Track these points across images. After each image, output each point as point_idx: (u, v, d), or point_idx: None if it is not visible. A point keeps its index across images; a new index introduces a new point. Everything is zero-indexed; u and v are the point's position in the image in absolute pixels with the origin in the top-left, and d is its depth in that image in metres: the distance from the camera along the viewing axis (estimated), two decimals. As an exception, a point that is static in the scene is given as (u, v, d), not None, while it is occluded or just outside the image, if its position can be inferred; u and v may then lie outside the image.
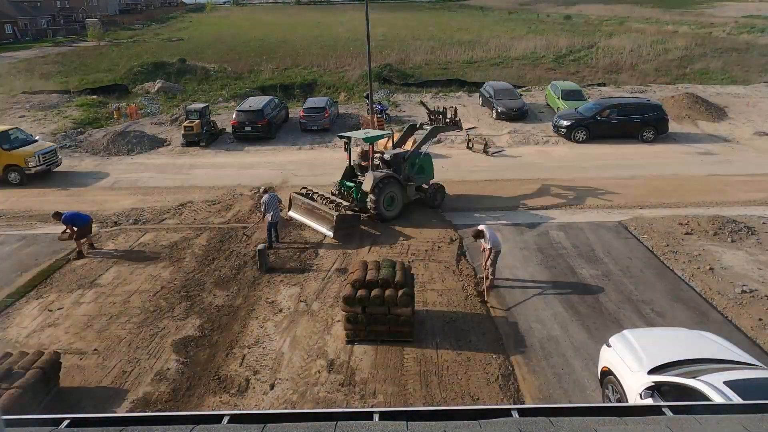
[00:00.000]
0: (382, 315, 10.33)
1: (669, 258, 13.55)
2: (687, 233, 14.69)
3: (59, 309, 11.99)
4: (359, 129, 25.73)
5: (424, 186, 17.13)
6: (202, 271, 13.57)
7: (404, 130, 19.03)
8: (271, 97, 28.29)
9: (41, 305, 12.16)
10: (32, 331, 11.23)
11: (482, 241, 12.33)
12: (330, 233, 15.06)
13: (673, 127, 24.88)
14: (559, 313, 11.47)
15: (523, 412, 4.24)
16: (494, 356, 10.13)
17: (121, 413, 8.65)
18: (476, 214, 16.72)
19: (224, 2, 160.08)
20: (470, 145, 23.48)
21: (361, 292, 10.33)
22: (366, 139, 16.31)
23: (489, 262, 12.30)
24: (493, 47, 49.15)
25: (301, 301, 12.14)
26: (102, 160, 23.21)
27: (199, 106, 25.55)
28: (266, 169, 21.57)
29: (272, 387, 9.48)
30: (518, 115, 27.17)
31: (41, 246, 15.16)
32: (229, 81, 38.51)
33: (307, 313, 11.70)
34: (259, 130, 24.76)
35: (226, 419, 4.16)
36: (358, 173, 16.83)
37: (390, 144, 19.05)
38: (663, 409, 4.33)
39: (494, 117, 27.66)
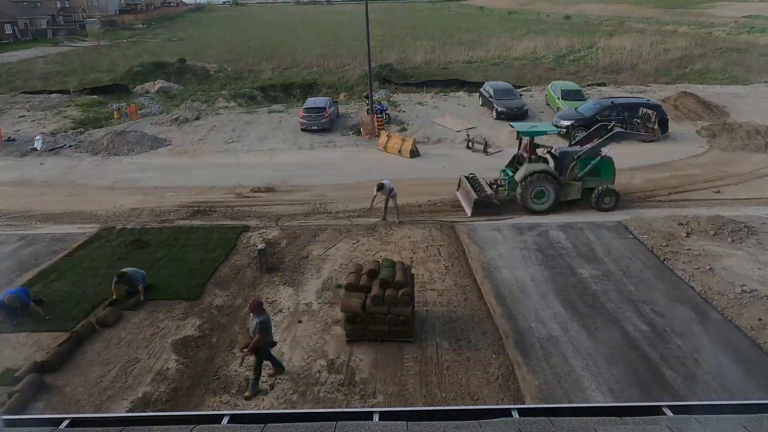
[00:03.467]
0: (382, 315, 10.33)
1: (669, 258, 13.55)
2: (687, 233, 14.69)
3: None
4: (359, 129, 25.79)
5: (598, 188, 16.68)
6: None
7: (592, 129, 19.06)
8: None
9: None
10: (32, 331, 11.25)
11: (382, 192, 15.82)
12: (468, 212, 16.76)
13: (673, 127, 24.87)
14: (559, 313, 11.46)
15: (523, 412, 4.25)
16: (494, 356, 10.13)
17: (121, 413, 8.65)
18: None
19: (224, 2, 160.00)
20: (470, 145, 23.48)
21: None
22: (524, 133, 17.10)
23: (390, 202, 16.09)
24: (493, 47, 49.19)
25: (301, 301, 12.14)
26: (102, 160, 23.21)
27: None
28: (266, 168, 21.57)
29: (272, 387, 9.48)
30: (518, 115, 27.16)
31: (41, 246, 15.15)
32: (229, 81, 38.51)
33: (307, 313, 11.70)
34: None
35: (226, 419, 4.17)
36: (517, 164, 17.56)
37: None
38: (663, 409, 4.34)
39: (494, 117, 27.64)
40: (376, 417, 4.14)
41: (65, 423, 4.18)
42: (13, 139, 25.71)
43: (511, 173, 17.28)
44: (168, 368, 9.99)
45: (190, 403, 9.14)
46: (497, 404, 8.93)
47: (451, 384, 9.45)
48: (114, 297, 11.95)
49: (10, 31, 72.58)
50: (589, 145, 17.07)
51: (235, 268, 13.67)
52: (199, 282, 12.91)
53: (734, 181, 19.03)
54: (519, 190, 16.47)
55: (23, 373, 9.52)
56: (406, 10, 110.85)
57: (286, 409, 8.87)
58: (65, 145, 24.95)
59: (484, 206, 16.52)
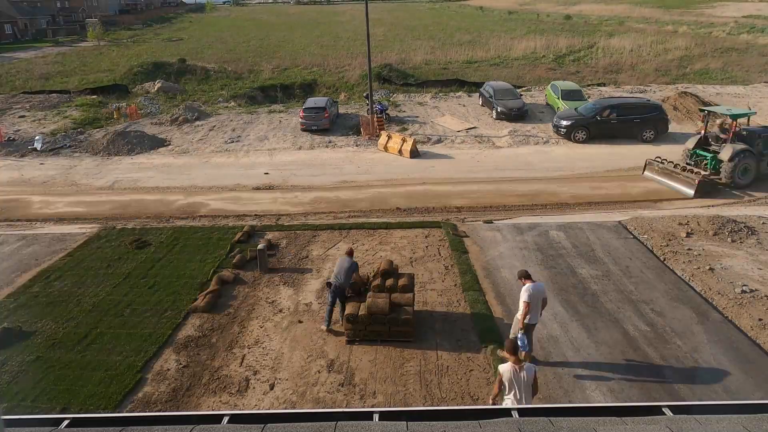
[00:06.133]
0: (382, 315, 10.33)
1: (669, 258, 13.55)
2: (687, 233, 14.69)
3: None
4: (359, 129, 25.79)
5: None
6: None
7: None
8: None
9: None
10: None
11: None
12: (690, 193, 17.59)
13: (673, 127, 24.88)
14: (559, 313, 11.46)
15: (523, 412, 4.25)
16: (494, 356, 10.11)
17: (121, 413, 8.65)
18: (475, 213, 16.73)
19: (224, 2, 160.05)
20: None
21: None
22: (732, 116, 18.42)
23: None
24: (493, 47, 49.17)
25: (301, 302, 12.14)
26: (102, 160, 23.21)
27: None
28: (266, 169, 21.57)
29: (272, 387, 9.48)
30: (518, 115, 27.16)
31: (41, 246, 15.16)
32: (229, 81, 38.52)
33: (307, 312, 11.70)
34: None
35: (226, 419, 4.17)
36: (713, 144, 18.87)
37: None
38: (663, 409, 4.33)
39: (494, 117, 27.66)
40: (376, 417, 4.14)
41: (65, 423, 4.18)
42: (13, 139, 25.72)
43: (708, 154, 18.57)
44: (168, 368, 9.99)
45: (190, 403, 9.14)
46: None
47: (451, 384, 9.45)
48: None
49: (10, 31, 72.62)
50: None
51: (235, 268, 13.65)
52: (199, 282, 12.92)
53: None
54: (727, 168, 17.77)
55: None
56: (406, 10, 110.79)
57: (286, 409, 8.87)
58: (65, 145, 24.96)
59: (709, 186, 17.64)
